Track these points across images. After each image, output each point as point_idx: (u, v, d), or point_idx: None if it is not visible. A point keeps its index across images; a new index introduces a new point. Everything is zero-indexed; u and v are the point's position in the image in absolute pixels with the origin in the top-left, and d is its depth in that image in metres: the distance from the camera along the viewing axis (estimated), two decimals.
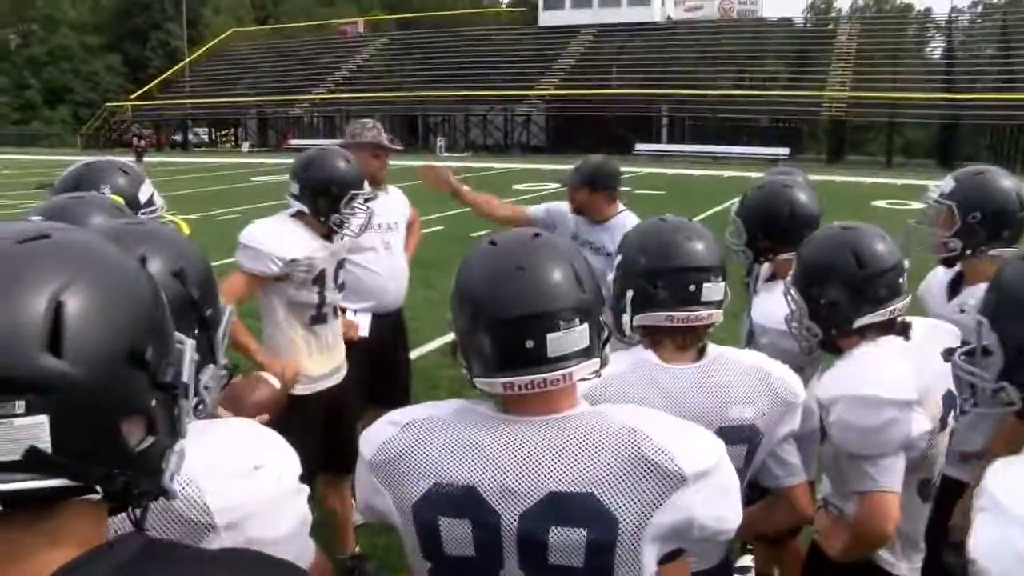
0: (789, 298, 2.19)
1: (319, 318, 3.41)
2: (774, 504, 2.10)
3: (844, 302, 2.06)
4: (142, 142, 33.54)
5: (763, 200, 2.87)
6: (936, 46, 44.94)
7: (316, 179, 3.24)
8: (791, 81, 39.70)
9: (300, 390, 3.29)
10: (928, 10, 50.27)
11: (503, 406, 1.42)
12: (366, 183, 3.42)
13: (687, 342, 1.91)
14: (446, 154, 38.66)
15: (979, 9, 51.28)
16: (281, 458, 1.26)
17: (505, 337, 1.34)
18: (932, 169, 28.71)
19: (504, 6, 72.66)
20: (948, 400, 2.04)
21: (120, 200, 2.14)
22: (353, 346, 3.80)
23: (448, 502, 1.36)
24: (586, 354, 1.37)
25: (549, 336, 1.33)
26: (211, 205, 18.02)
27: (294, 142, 42.44)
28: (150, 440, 0.86)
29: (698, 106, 38.94)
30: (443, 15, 57.87)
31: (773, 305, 2.61)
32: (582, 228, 4.00)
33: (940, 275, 2.88)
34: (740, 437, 1.84)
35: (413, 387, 4.64)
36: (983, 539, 1.24)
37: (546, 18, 47.99)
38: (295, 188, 3.28)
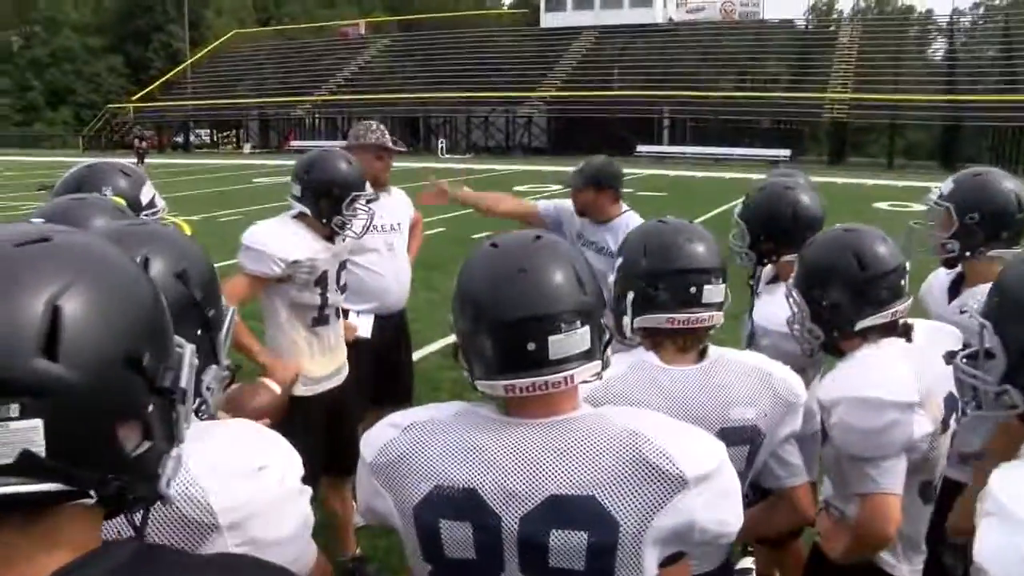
0: (791, 300, 2.19)
1: (321, 319, 3.41)
2: (775, 505, 2.10)
3: (846, 304, 2.06)
4: (143, 143, 33.58)
5: (766, 202, 2.87)
6: (938, 48, 44.94)
7: (318, 181, 3.24)
8: (793, 83, 39.71)
9: (302, 391, 3.29)
10: (930, 12, 50.39)
11: (504, 408, 1.42)
12: (368, 185, 3.43)
13: (688, 344, 1.90)
14: (447, 156, 38.68)
15: (981, 11, 51.30)
16: (284, 459, 1.26)
17: (506, 339, 1.34)
18: (934, 171, 28.70)
19: (506, 7, 72.74)
20: (950, 402, 2.04)
21: (122, 202, 2.14)
22: (356, 347, 3.80)
23: (449, 504, 1.35)
24: (587, 356, 1.37)
25: (551, 338, 1.32)
26: (213, 206, 18.03)
27: (295, 143, 42.52)
28: (146, 445, 0.86)
29: (700, 108, 38.93)
30: (445, 16, 57.92)
31: (774, 307, 2.61)
32: (586, 228, 4.01)
33: (941, 276, 2.88)
34: (742, 438, 1.84)
35: (414, 389, 4.65)
36: (989, 544, 1.24)
37: (548, 19, 48.02)
38: (297, 190, 3.28)
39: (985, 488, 1.32)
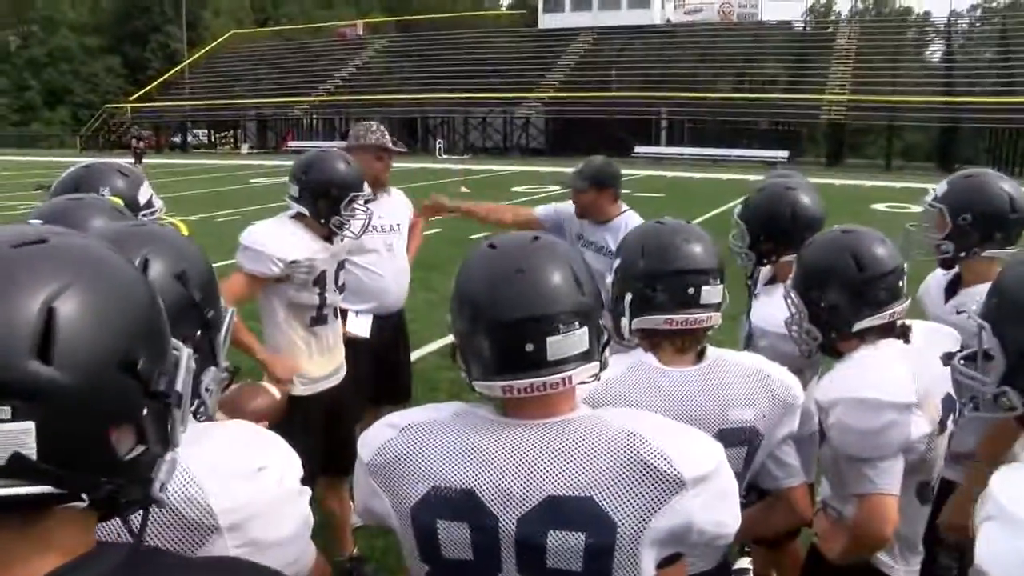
0: (789, 301, 2.19)
1: (319, 319, 3.41)
2: (773, 505, 2.10)
3: (844, 305, 2.06)
4: (141, 143, 33.54)
5: (766, 202, 2.87)
6: (935, 50, 44.97)
7: (316, 181, 3.24)
8: (790, 84, 39.74)
9: (301, 391, 3.29)
10: (927, 13, 50.30)
11: (502, 409, 1.42)
12: (367, 185, 3.43)
13: (686, 345, 1.90)
14: (445, 156, 38.67)
15: (978, 13, 51.42)
16: (283, 459, 1.26)
17: (504, 340, 1.34)
18: (931, 172, 28.76)
19: (504, 8, 72.76)
20: (947, 403, 2.04)
21: (119, 202, 2.14)
22: (354, 347, 3.81)
23: (446, 505, 1.35)
24: (585, 357, 1.37)
25: (548, 339, 1.32)
26: (210, 207, 18.02)
27: (293, 144, 42.50)
28: (140, 449, 0.86)
29: (697, 109, 38.96)
30: (443, 17, 57.91)
31: (772, 308, 2.62)
32: (586, 229, 4.03)
33: (938, 277, 2.90)
34: (740, 439, 1.84)
35: (412, 389, 4.65)
36: (991, 548, 1.23)
37: (546, 20, 48.03)
38: (295, 190, 3.28)
39: (985, 491, 1.31)
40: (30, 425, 0.76)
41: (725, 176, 27.66)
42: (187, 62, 53.85)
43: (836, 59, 40.36)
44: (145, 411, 0.85)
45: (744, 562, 3.66)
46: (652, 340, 1.92)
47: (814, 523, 2.21)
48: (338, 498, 3.72)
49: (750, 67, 42.48)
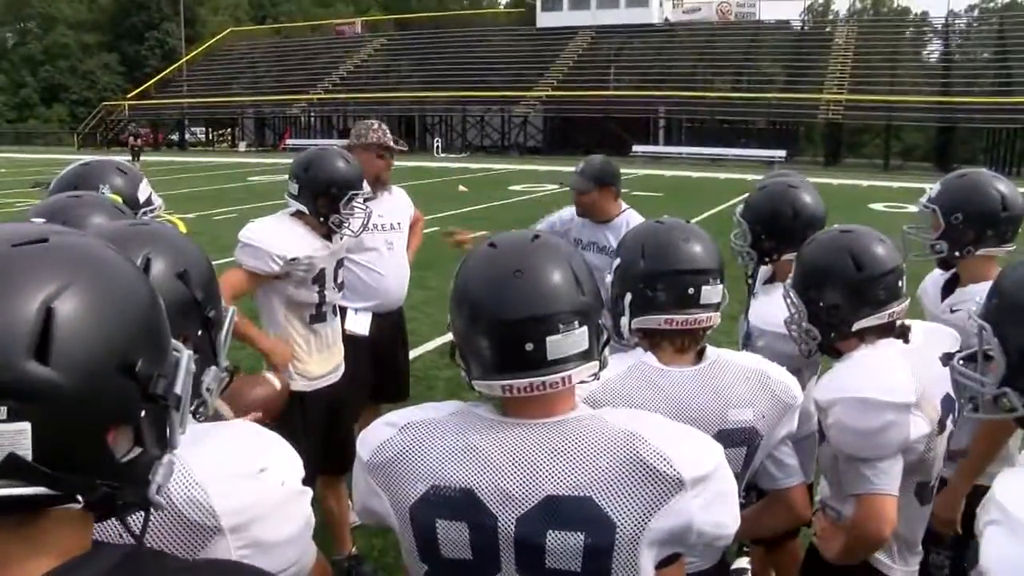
0: (789, 300, 2.19)
1: (318, 317, 3.41)
2: (771, 506, 2.10)
3: (843, 305, 2.06)
4: (138, 141, 33.48)
5: (767, 201, 2.88)
6: (933, 50, 44.98)
7: (316, 179, 3.24)
8: (788, 83, 39.71)
9: (301, 387, 3.29)
10: (925, 14, 50.26)
11: (501, 408, 1.42)
12: (365, 183, 3.43)
13: (686, 344, 1.90)
14: (443, 155, 38.66)
15: (976, 13, 51.41)
16: (285, 460, 1.25)
17: (504, 339, 1.34)
18: (929, 172, 28.80)
19: (502, 7, 72.70)
20: (946, 403, 2.04)
21: (118, 199, 2.13)
22: (354, 345, 3.81)
23: (445, 505, 1.35)
24: (585, 357, 1.36)
25: (548, 339, 1.32)
26: (207, 204, 18.00)
27: (291, 142, 42.46)
28: (137, 451, 0.85)
29: (695, 108, 38.95)
30: (441, 15, 57.88)
31: (770, 308, 2.62)
32: (586, 230, 4.06)
33: (936, 276, 2.92)
34: (739, 439, 1.84)
35: (410, 388, 4.65)
36: (995, 553, 1.23)
37: (544, 19, 47.95)
38: (294, 188, 3.28)
39: (987, 496, 1.31)
40: (26, 426, 0.75)
41: (723, 175, 27.68)
42: (185, 59, 53.72)
43: (834, 59, 40.35)
44: (143, 413, 0.85)
45: (743, 562, 3.66)
46: (652, 340, 1.92)
47: (813, 523, 2.21)
48: (336, 497, 3.72)
49: (748, 66, 42.45)
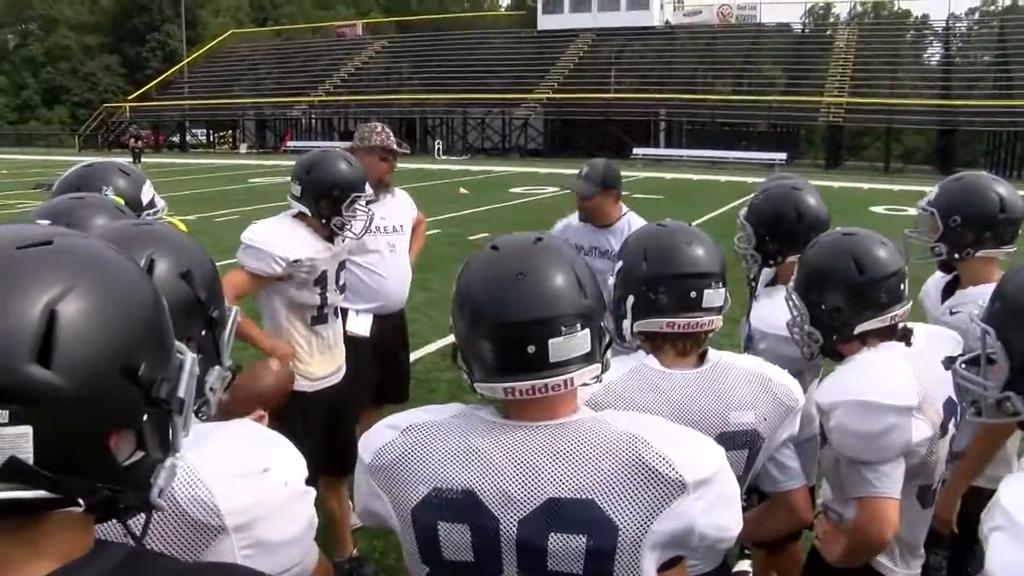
0: (791, 303, 2.19)
1: (320, 318, 3.42)
2: (773, 508, 2.09)
3: (845, 308, 2.06)
4: (139, 143, 33.49)
5: (770, 203, 2.88)
6: (934, 53, 45.02)
7: (319, 181, 3.24)
8: (789, 86, 39.74)
9: (302, 386, 3.29)
10: (926, 17, 50.18)
11: (503, 411, 1.42)
12: (368, 186, 3.44)
13: (688, 348, 1.90)
14: (444, 157, 38.68)
15: (976, 16, 51.37)
16: (289, 460, 1.25)
17: (506, 342, 1.33)
18: (930, 175, 28.76)
19: (503, 9, 72.76)
20: (949, 407, 2.04)
21: (120, 201, 2.13)
22: (355, 347, 3.81)
23: (447, 507, 1.35)
24: (587, 359, 1.36)
25: (551, 341, 1.32)
26: (209, 206, 18.01)
27: (292, 144, 42.49)
28: (139, 455, 0.85)
29: (696, 110, 38.99)
30: (442, 18, 57.91)
31: (772, 310, 2.62)
32: (587, 236, 4.07)
33: (938, 279, 2.94)
34: (741, 442, 1.84)
35: (411, 390, 4.66)
36: (1000, 559, 1.23)
37: (545, 22, 47.98)
38: (297, 189, 3.28)
39: (992, 501, 1.31)
40: (27, 430, 0.75)
41: (723, 178, 27.68)
42: (186, 61, 53.78)
43: (835, 62, 40.39)
44: (145, 417, 0.85)
45: (744, 564, 3.66)
46: (654, 343, 1.92)
47: (815, 526, 2.21)
48: (337, 498, 3.72)
49: (749, 69, 42.49)
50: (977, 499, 2.48)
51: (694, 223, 2.02)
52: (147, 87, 52.38)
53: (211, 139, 51.24)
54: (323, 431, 3.46)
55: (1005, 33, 41.09)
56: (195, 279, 1.32)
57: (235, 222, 13.74)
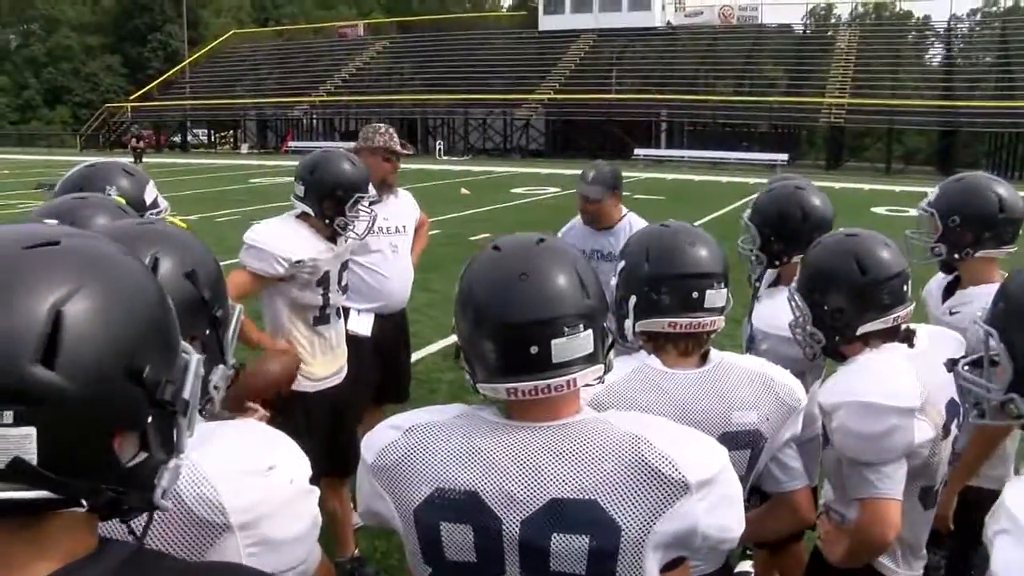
0: (793, 304, 2.19)
1: (322, 319, 3.42)
2: (775, 508, 2.09)
3: (847, 309, 2.06)
4: (140, 143, 33.49)
5: (775, 203, 2.88)
6: (935, 54, 44.97)
7: (322, 181, 3.24)
8: (790, 87, 39.74)
9: (304, 387, 3.29)
10: (927, 18, 50.14)
11: (506, 411, 1.42)
12: (371, 186, 3.44)
13: (690, 348, 1.90)
14: (445, 157, 38.68)
15: (978, 17, 51.35)
16: (293, 459, 1.25)
17: (509, 342, 1.34)
18: (932, 176, 28.73)
19: (504, 10, 72.78)
20: (951, 408, 2.04)
21: (122, 201, 2.13)
22: (357, 346, 3.81)
23: (450, 507, 1.35)
24: (590, 360, 1.36)
25: (553, 342, 1.32)
26: (210, 206, 18.02)
27: (293, 144, 42.52)
28: (143, 456, 0.85)
29: (697, 111, 38.99)
30: (443, 18, 57.92)
31: (774, 311, 2.62)
32: (588, 238, 4.08)
33: (940, 279, 2.95)
34: (743, 442, 1.84)
35: (412, 391, 4.66)
36: (1005, 563, 1.23)
37: (546, 22, 47.97)
38: (300, 190, 3.28)
39: (997, 504, 1.31)
40: (31, 431, 0.75)
41: (725, 179, 27.67)
42: (187, 61, 53.81)
43: (836, 62, 40.37)
44: (150, 419, 0.85)
45: (746, 565, 3.66)
46: (656, 343, 1.92)
47: (817, 527, 2.21)
48: (339, 499, 3.72)
49: (750, 70, 42.47)
50: (975, 498, 2.49)
51: (696, 224, 2.02)
52: (149, 87, 52.39)
53: (212, 139, 51.24)
54: (325, 431, 3.46)
55: (1007, 34, 41.06)
56: (199, 278, 1.32)
57: (236, 222, 13.74)
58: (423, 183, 21.62)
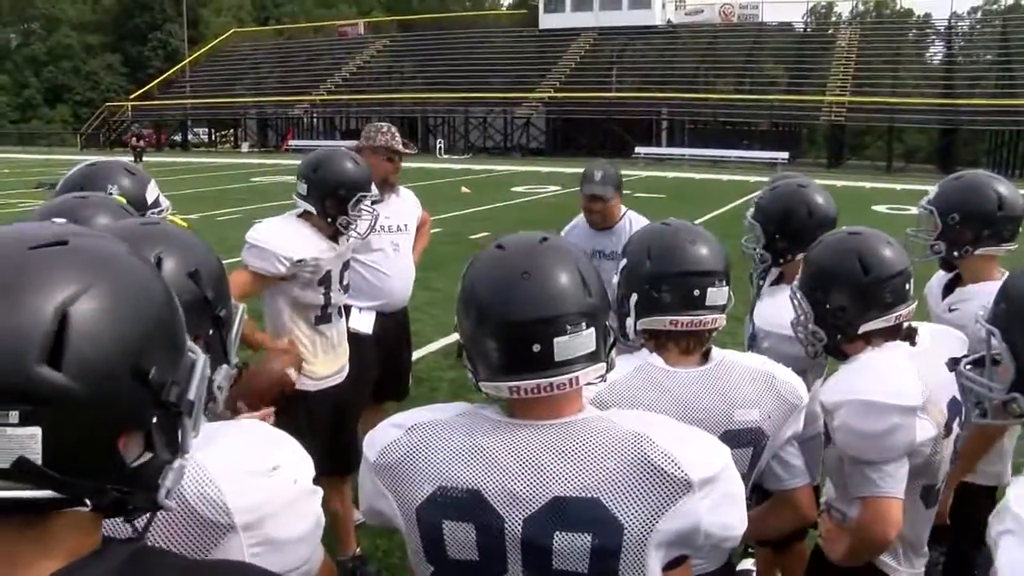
0: (795, 302, 2.19)
1: (324, 318, 3.42)
2: (777, 506, 2.10)
3: (849, 307, 2.06)
4: (141, 142, 33.49)
5: (780, 200, 2.88)
6: (936, 52, 44.96)
7: (325, 180, 3.24)
8: (791, 85, 39.71)
9: (306, 386, 3.30)
10: (928, 16, 50.17)
11: (508, 410, 1.42)
12: (373, 186, 3.44)
13: (691, 346, 1.90)
14: (445, 156, 38.68)
15: (979, 15, 51.34)
16: (297, 459, 1.26)
17: (511, 341, 1.34)
18: (932, 174, 28.72)
19: (504, 8, 72.75)
20: (953, 407, 2.04)
21: (123, 200, 2.13)
22: (358, 344, 3.81)
23: (452, 506, 1.35)
24: (592, 358, 1.37)
25: (556, 340, 1.32)
26: (210, 205, 18.02)
27: (294, 143, 42.53)
28: (147, 456, 0.85)
29: (698, 109, 38.97)
30: (444, 17, 57.91)
31: (775, 309, 2.62)
32: (588, 238, 4.11)
33: (942, 276, 2.95)
34: (745, 440, 1.84)
35: (413, 389, 4.66)
36: (1011, 565, 1.23)
37: (547, 21, 47.94)
38: (303, 188, 3.28)
39: (1001, 505, 1.30)
40: (36, 431, 0.75)
41: (726, 177, 27.67)
42: (188, 60, 53.79)
43: (837, 61, 40.34)
44: (155, 419, 0.85)
45: (747, 563, 3.66)
46: (657, 341, 1.91)
47: (819, 525, 2.21)
48: (340, 497, 3.72)
49: (751, 68, 42.44)
50: (969, 494, 2.51)
51: (697, 222, 2.02)
52: (149, 86, 52.39)
53: (213, 138, 51.23)
54: (327, 430, 3.46)
55: (1007, 32, 41.03)
56: (202, 278, 1.32)
57: (237, 221, 13.75)
58: (423, 182, 21.61)
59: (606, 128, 38.77)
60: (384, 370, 4.18)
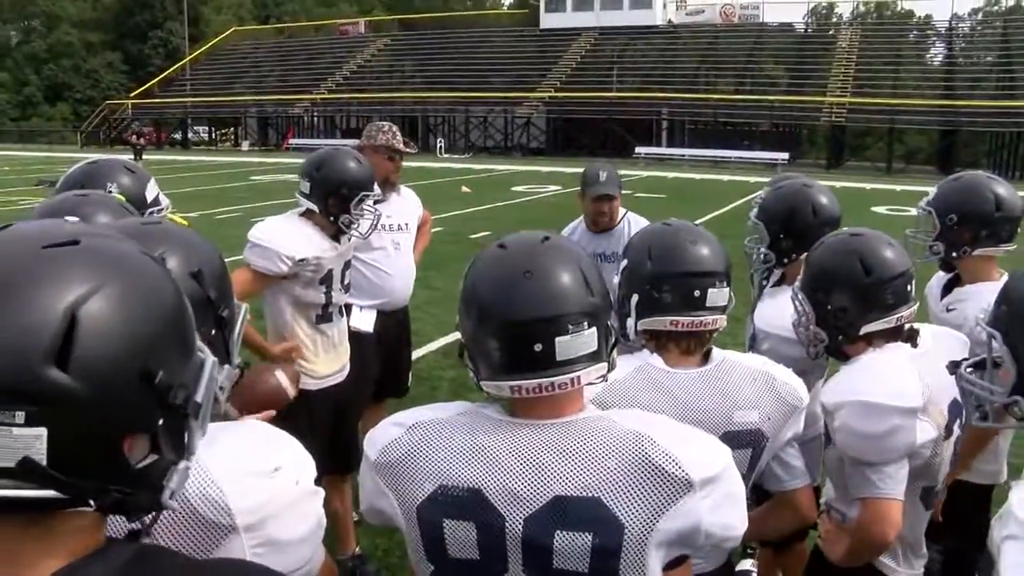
0: (797, 303, 2.19)
1: (325, 317, 3.42)
2: (777, 507, 2.10)
3: (851, 308, 2.06)
4: (141, 140, 33.48)
5: (784, 200, 2.87)
6: (936, 53, 44.96)
7: (328, 179, 3.24)
8: (791, 86, 39.73)
9: (307, 385, 3.29)
10: (929, 17, 50.10)
11: (510, 409, 1.42)
12: (376, 185, 3.44)
13: (692, 346, 1.90)
14: (446, 155, 38.68)
15: (979, 17, 51.32)
16: (299, 459, 1.25)
17: (513, 340, 1.34)
18: (932, 176, 28.72)
19: (505, 8, 72.74)
20: (954, 408, 2.04)
21: (123, 198, 2.13)
22: (359, 342, 3.81)
23: (453, 504, 1.35)
24: (594, 358, 1.37)
25: (557, 340, 1.32)
26: (210, 203, 18.02)
27: (294, 142, 42.54)
28: (153, 458, 0.85)
29: (698, 110, 38.98)
30: (444, 16, 57.91)
31: (776, 310, 2.62)
32: (588, 241, 4.11)
33: (942, 276, 2.96)
34: (745, 441, 1.84)
35: (413, 388, 4.66)
36: (1014, 569, 1.23)
37: (547, 20, 47.92)
38: (306, 186, 3.28)
39: (1004, 510, 1.30)
40: (42, 431, 0.75)
41: (726, 177, 27.68)
42: (188, 58, 53.80)
43: (837, 61, 40.35)
44: (161, 421, 0.84)
45: (747, 563, 3.66)
46: (658, 341, 1.91)
47: (819, 525, 2.21)
48: (340, 496, 3.72)
49: (751, 69, 42.47)
50: (968, 494, 2.51)
51: (697, 222, 2.02)
52: (149, 84, 52.38)
53: (213, 136, 51.21)
54: (327, 429, 3.46)
55: (1008, 33, 41.03)
56: (205, 278, 1.32)
57: (237, 219, 13.77)
58: (424, 181, 21.60)
59: (607, 128, 38.80)
60: (384, 369, 4.19)
